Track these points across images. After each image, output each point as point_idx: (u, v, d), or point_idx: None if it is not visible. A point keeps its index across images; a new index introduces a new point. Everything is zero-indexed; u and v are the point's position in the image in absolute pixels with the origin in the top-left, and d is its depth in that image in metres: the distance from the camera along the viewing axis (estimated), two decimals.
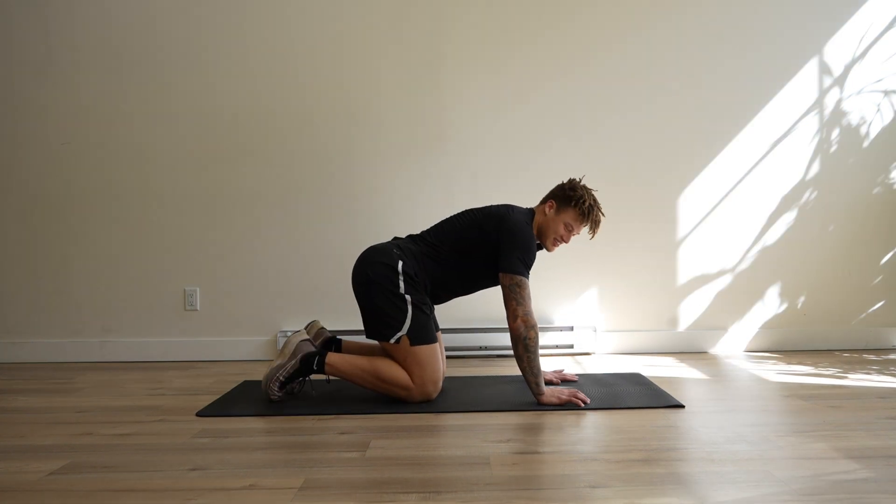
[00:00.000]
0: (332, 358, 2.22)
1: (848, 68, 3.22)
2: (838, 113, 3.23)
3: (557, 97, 3.20)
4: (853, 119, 3.22)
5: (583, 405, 2.15)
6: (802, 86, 3.21)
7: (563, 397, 2.17)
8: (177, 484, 1.51)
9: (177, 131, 3.19)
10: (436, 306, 2.51)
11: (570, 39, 3.20)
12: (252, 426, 2.00)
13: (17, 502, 1.42)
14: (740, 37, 3.20)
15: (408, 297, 2.20)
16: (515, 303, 2.15)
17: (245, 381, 2.63)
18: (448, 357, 3.14)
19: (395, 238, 2.40)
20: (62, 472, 1.60)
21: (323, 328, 2.55)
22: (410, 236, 2.40)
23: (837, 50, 3.21)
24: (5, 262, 3.21)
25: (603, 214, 2.36)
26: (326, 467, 1.61)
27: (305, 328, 2.51)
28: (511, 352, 3.15)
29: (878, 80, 3.22)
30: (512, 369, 2.85)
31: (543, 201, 2.39)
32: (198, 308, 3.21)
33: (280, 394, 2.24)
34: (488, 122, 3.20)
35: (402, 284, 2.20)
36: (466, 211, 2.40)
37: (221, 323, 3.17)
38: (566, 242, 2.38)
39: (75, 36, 3.18)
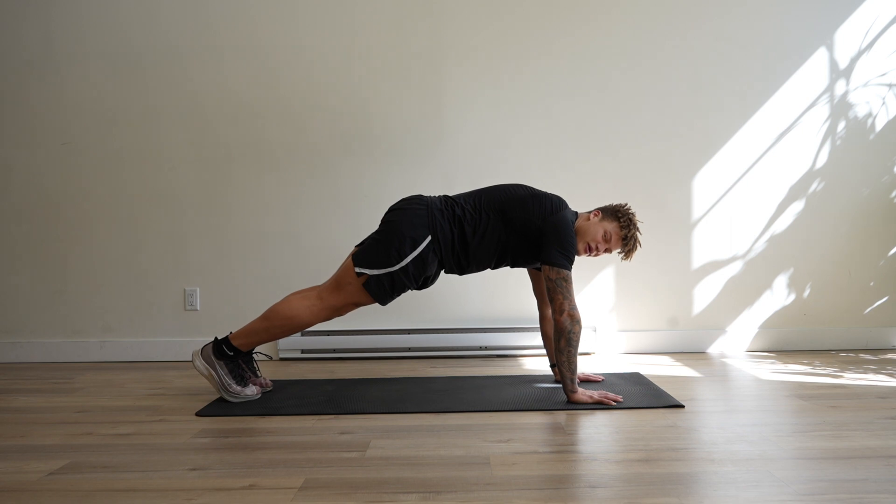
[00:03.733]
0: (234, 334, 2.29)
1: (854, 60, 3.22)
2: (845, 105, 3.23)
3: (559, 93, 3.19)
4: (859, 111, 3.22)
5: (614, 404, 2.17)
6: (810, 76, 3.21)
7: (595, 397, 2.20)
8: (177, 484, 1.51)
9: (177, 131, 3.19)
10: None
11: (572, 32, 3.19)
12: (252, 426, 2.00)
13: (17, 502, 1.42)
14: (749, 26, 3.20)
15: (408, 265, 2.20)
16: (562, 297, 2.18)
17: None
18: (448, 357, 3.15)
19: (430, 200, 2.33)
20: (62, 472, 1.60)
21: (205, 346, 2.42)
22: (446, 199, 2.33)
23: (844, 42, 3.21)
24: (5, 262, 3.21)
25: (640, 244, 2.36)
26: (326, 467, 1.61)
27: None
28: (511, 352, 3.16)
29: (883, 74, 3.22)
30: (512, 369, 2.85)
31: (589, 212, 2.40)
32: (198, 308, 3.21)
33: (249, 390, 2.30)
34: (488, 123, 3.20)
35: (416, 252, 2.20)
36: (514, 184, 2.38)
37: (221, 323, 3.17)
38: (597, 252, 2.36)
39: (75, 36, 3.17)
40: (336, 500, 1.40)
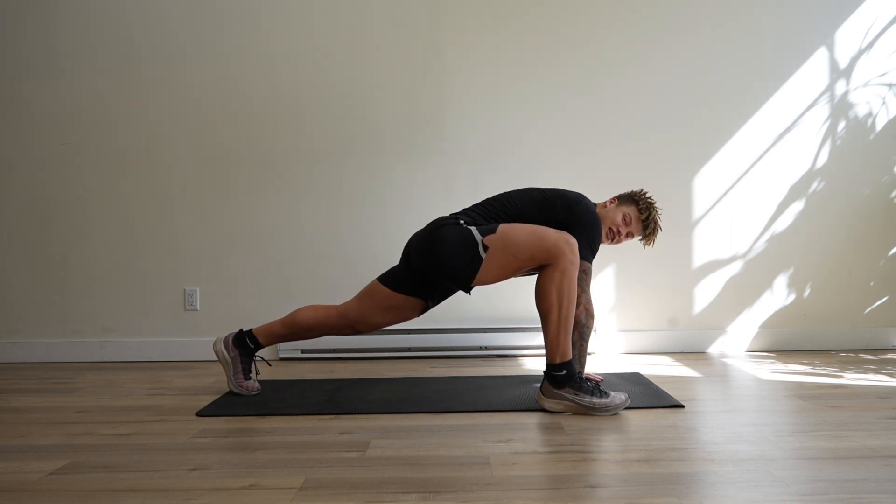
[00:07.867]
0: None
1: (854, 60, 3.22)
2: (845, 105, 3.22)
3: (559, 93, 3.19)
4: (860, 111, 3.22)
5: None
6: (810, 76, 3.21)
7: None
8: (177, 484, 1.51)
9: (176, 131, 3.19)
10: (443, 301, 2.48)
11: (571, 33, 3.20)
12: (252, 426, 2.00)
13: (17, 502, 1.42)
14: (749, 27, 3.20)
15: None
16: (580, 290, 2.15)
17: None
18: (448, 357, 3.15)
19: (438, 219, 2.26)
20: (62, 472, 1.60)
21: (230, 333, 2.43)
22: (454, 215, 2.27)
23: (844, 42, 3.21)
24: (5, 262, 3.21)
25: (660, 227, 2.38)
26: (326, 467, 1.60)
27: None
28: (511, 352, 3.16)
29: (883, 74, 3.22)
30: (512, 369, 2.85)
31: (605, 201, 2.42)
32: (198, 308, 3.21)
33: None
34: (488, 121, 3.20)
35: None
36: (527, 189, 2.32)
37: (221, 323, 3.17)
38: (619, 238, 2.37)
39: (75, 36, 3.18)
40: (336, 500, 1.40)
